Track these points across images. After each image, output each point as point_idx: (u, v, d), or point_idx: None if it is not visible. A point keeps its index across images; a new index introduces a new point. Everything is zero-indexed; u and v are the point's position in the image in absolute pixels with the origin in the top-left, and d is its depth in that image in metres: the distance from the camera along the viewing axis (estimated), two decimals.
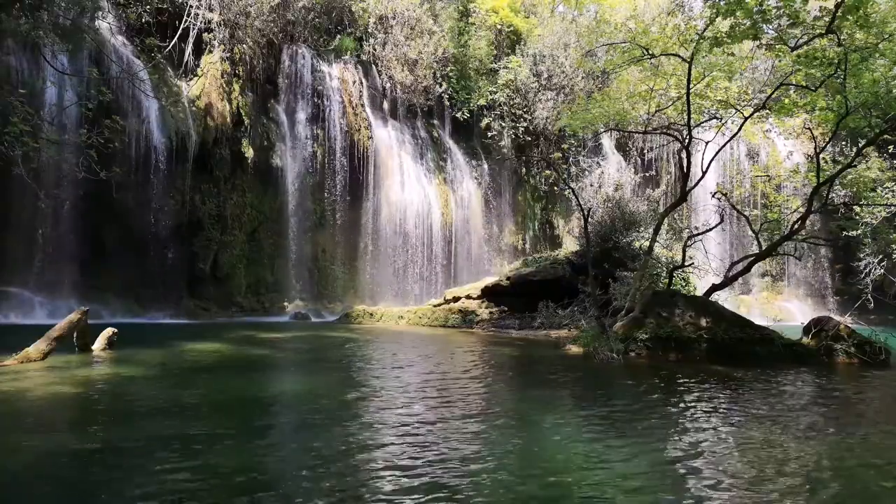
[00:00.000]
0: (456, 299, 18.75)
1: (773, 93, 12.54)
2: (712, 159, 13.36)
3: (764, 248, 13.34)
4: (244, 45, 20.85)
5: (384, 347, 11.95)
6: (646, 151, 29.06)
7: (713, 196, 15.42)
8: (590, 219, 13.95)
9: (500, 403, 6.52)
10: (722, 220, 14.26)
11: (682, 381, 7.91)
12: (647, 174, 28.19)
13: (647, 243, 13.73)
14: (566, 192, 24.92)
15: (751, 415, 5.95)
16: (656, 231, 13.28)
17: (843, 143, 22.74)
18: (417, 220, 23.78)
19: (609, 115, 14.63)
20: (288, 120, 22.16)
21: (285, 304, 20.95)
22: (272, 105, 22.13)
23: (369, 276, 23.07)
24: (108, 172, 13.28)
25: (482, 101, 26.04)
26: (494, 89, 26.22)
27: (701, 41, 11.44)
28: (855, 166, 14.09)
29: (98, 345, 9.32)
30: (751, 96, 15.79)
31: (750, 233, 14.87)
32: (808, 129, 14.84)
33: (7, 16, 13.04)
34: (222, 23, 20.44)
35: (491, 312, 17.46)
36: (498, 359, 10.42)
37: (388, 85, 24.77)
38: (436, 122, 26.46)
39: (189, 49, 19.96)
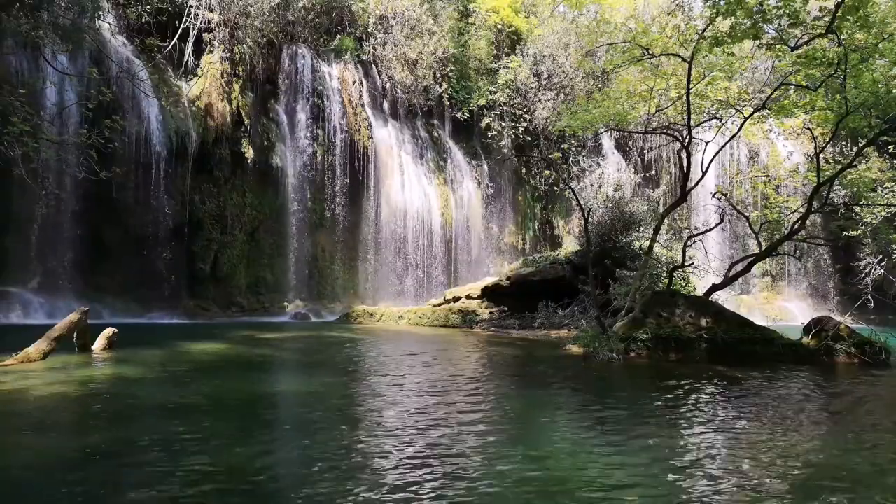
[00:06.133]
0: (456, 299, 18.75)
1: (773, 93, 12.54)
2: (712, 159, 13.36)
3: (764, 248, 13.34)
4: (244, 45, 20.85)
5: (384, 348, 11.95)
6: (646, 151, 29.06)
7: (713, 196, 15.43)
8: (590, 219, 13.95)
9: (500, 403, 6.52)
10: (722, 220, 14.25)
11: (682, 381, 7.91)
12: (647, 174, 28.23)
13: (647, 243, 13.73)
14: (566, 192, 24.92)
15: (751, 415, 5.95)
16: (656, 231, 13.28)
17: (843, 143, 22.77)
18: (417, 220, 23.79)
19: (609, 115, 14.62)
20: (288, 120, 22.15)
21: (285, 304, 20.96)
22: (272, 105, 22.13)
23: (369, 276, 23.08)
24: (108, 172, 13.29)
25: (482, 101, 26.03)
26: (494, 89, 26.21)
27: (701, 41, 11.45)
28: (855, 166, 14.09)
29: (98, 345, 9.32)
30: (751, 96, 15.79)
31: (750, 233, 14.87)
32: (808, 129, 14.84)
33: (7, 16, 13.04)
34: (222, 23, 20.44)
35: (491, 312, 17.45)
36: (498, 359, 10.42)
37: (388, 85, 24.78)
38: (436, 122, 26.46)
39: (189, 49, 19.97)
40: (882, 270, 22.03)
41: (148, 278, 17.99)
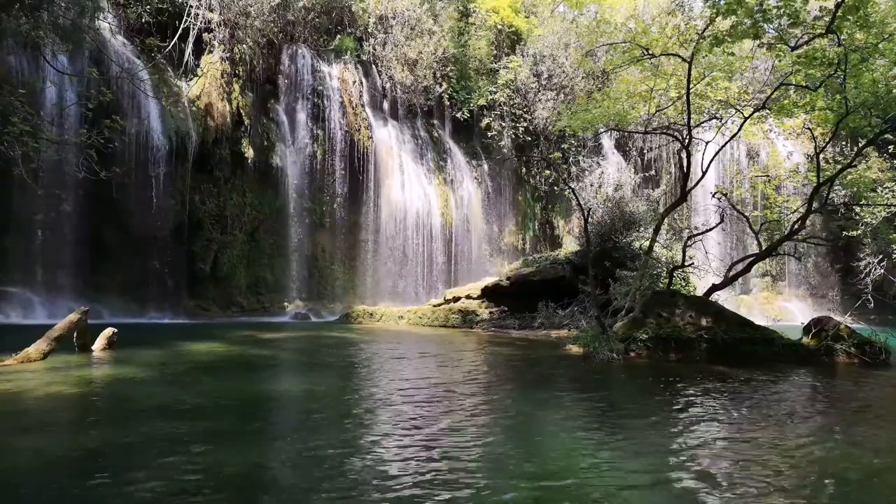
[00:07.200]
0: (456, 299, 18.75)
1: (773, 93, 12.54)
2: (712, 159, 13.35)
3: (764, 248, 13.33)
4: (244, 45, 20.85)
5: (384, 348, 11.95)
6: (646, 151, 29.08)
7: (713, 196, 15.42)
8: (590, 219, 13.95)
9: (500, 404, 6.52)
10: (722, 220, 14.25)
11: (682, 381, 7.91)
12: (647, 174, 28.24)
13: (647, 243, 13.73)
14: (566, 192, 24.93)
15: (751, 415, 5.95)
16: (656, 231, 13.28)
17: (843, 143, 22.79)
18: (417, 220, 23.80)
19: (609, 115, 14.61)
20: (288, 120, 22.16)
21: (285, 304, 20.96)
22: (272, 105, 22.13)
23: (369, 276, 23.09)
24: (108, 172, 13.28)
25: (482, 101, 26.04)
26: (494, 89, 26.22)
27: (701, 41, 11.44)
28: (855, 166, 14.10)
29: (98, 345, 9.31)
30: (751, 96, 15.79)
31: (750, 233, 14.87)
32: (808, 129, 14.83)
33: (7, 16, 13.04)
34: (222, 23, 20.45)
35: (491, 312, 17.46)
36: (498, 359, 10.42)
37: (388, 85, 24.78)
38: (436, 122, 26.46)
39: (189, 49, 19.97)
40: (882, 270, 22.04)
41: (148, 278, 18.01)
